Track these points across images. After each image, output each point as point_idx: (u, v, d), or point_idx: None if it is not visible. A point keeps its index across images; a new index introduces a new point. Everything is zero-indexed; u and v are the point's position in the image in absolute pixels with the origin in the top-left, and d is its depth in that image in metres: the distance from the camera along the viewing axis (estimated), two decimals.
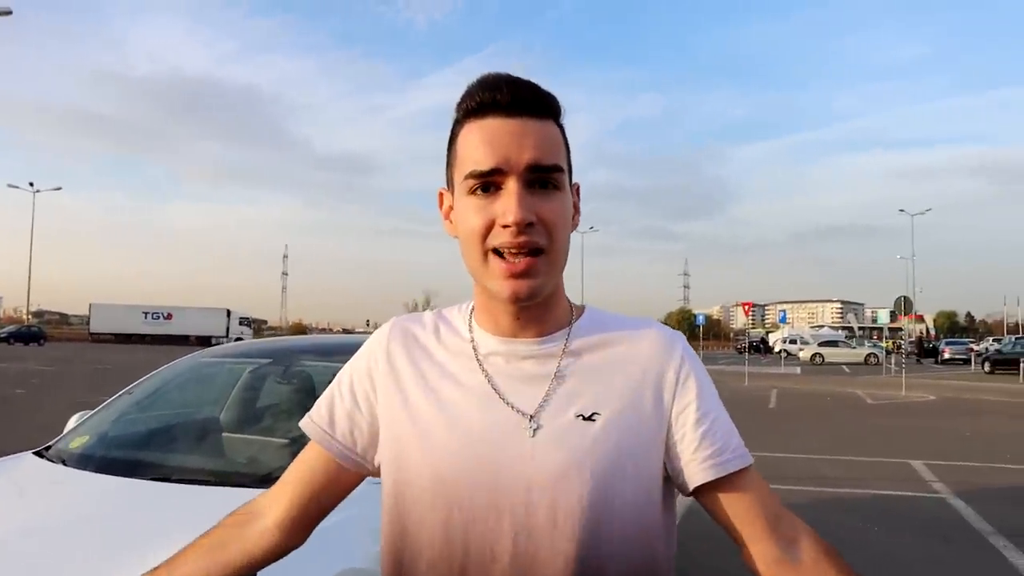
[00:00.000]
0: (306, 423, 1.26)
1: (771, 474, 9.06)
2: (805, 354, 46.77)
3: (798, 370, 36.62)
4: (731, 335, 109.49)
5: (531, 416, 1.07)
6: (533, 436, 1.05)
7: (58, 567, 2.43)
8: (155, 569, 1.18)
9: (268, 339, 5.12)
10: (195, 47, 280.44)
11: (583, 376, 1.09)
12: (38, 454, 3.51)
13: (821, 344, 48.56)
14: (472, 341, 1.13)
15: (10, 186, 67.89)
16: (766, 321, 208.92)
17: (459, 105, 1.08)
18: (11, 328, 63.34)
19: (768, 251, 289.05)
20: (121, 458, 3.44)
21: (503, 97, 1.02)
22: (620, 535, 1.05)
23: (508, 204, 1.00)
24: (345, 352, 4.35)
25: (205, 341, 58.50)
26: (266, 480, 3.14)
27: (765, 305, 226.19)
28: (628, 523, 1.05)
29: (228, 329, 70.49)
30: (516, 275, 1.02)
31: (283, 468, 3.10)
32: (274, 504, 1.24)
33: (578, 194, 1.12)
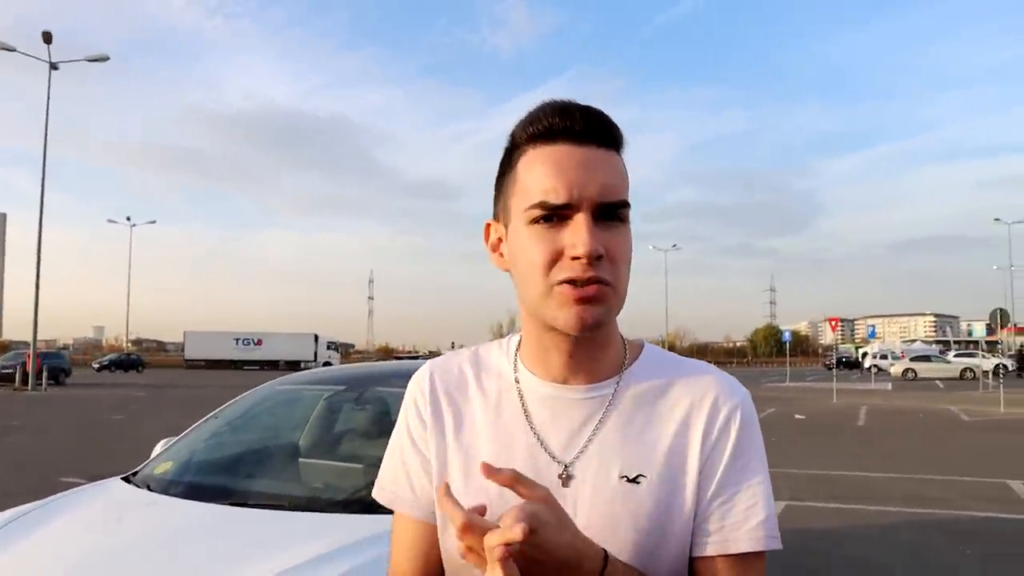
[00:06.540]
0: (383, 495, 1.16)
1: (860, 494, 8.81)
2: (896, 369, 45.13)
3: (889, 386, 35.41)
4: (819, 351, 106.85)
5: (566, 465, 1.03)
6: (569, 487, 1.02)
7: None
8: None
9: (341, 367, 5.24)
10: (284, 82, 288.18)
11: (628, 431, 1.04)
12: (126, 479, 3.69)
13: (913, 359, 46.87)
14: (518, 384, 1.09)
15: (109, 221, 71.73)
16: (855, 336, 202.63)
17: (522, 129, 1.03)
18: (112, 356, 66.45)
19: (857, 265, 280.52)
20: (202, 483, 3.60)
21: (575, 124, 0.98)
22: None
23: (579, 236, 0.96)
24: None
25: (294, 365, 60.01)
26: (342, 505, 3.24)
27: (854, 320, 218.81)
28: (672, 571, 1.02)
29: (316, 353, 71.77)
30: (585, 300, 0.97)
31: (358, 491, 3.16)
32: None
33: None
